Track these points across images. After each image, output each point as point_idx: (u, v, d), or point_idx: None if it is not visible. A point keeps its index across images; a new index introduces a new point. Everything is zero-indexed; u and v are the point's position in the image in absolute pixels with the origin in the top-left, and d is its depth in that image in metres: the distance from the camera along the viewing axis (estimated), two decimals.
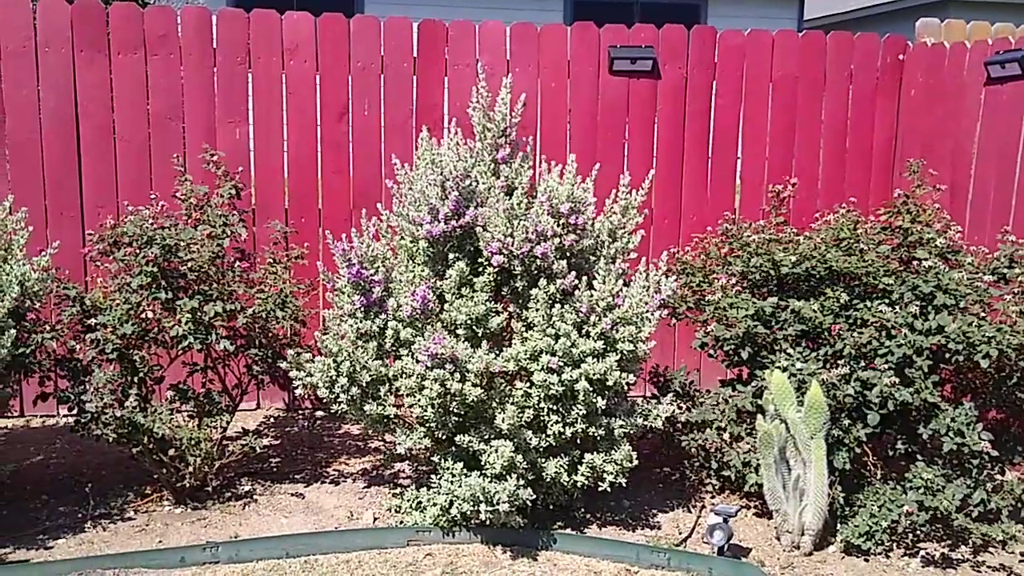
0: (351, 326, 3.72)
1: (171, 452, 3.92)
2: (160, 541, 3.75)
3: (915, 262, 3.94)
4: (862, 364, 3.76)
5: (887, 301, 3.83)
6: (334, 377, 3.68)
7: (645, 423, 3.83)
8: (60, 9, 4.81)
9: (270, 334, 4.18)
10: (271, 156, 5.11)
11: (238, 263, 4.03)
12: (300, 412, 5.34)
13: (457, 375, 3.54)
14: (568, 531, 3.86)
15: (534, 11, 10.26)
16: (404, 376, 3.68)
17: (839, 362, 3.80)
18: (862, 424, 3.72)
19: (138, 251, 3.83)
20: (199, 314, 3.84)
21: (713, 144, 5.47)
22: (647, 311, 3.73)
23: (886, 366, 3.66)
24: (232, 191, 4.25)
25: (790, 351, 3.82)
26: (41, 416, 5.13)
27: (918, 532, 3.77)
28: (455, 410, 3.63)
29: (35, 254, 3.82)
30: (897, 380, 3.61)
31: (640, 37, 5.30)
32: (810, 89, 5.49)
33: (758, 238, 4.09)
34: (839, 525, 3.77)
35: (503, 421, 3.56)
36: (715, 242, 4.32)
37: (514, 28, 5.19)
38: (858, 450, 3.77)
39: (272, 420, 5.20)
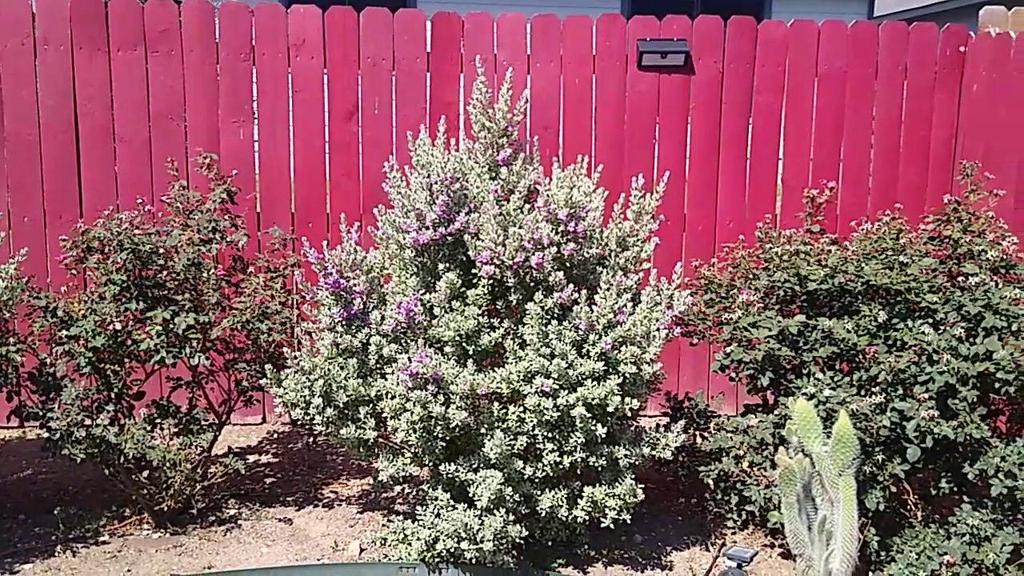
0: (329, 340, 3.42)
1: (145, 473, 3.68)
2: (129, 570, 3.50)
3: (962, 277, 3.47)
4: (900, 392, 3.31)
5: (931, 321, 3.38)
6: (308, 397, 3.38)
7: (653, 453, 3.45)
8: (59, 4, 4.60)
9: (261, 347, 3.91)
10: (277, 158, 4.84)
11: (212, 271, 3.75)
12: (305, 427, 5.04)
13: (441, 397, 3.21)
14: (569, 570, 3.50)
15: (588, 7, 9.82)
16: (388, 397, 3.36)
17: (874, 389, 3.37)
18: (900, 459, 3.29)
19: (107, 257, 3.59)
20: (171, 326, 3.58)
21: (752, 144, 5.04)
22: (654, 329, 3.36)
23: (926, 395, 3.21)
24: (224, 195, 4.00)
25: (819, 376, 3.40)
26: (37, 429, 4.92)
27: None
28: (440, 435, 3.30)
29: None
30: (937, 412, 3.17)
31: (672, 29, 4.90)
32: (860, 85, 5.02)
33: (781, 249, 3.67)
34: (872, 573, 3.34)
35: (491, 449, 3.22)
36: (743, 253, 3.91)
37: (535, 21, 4.84)
38: (895, 488, 3.34)
39: (275, 435, 4.94)
